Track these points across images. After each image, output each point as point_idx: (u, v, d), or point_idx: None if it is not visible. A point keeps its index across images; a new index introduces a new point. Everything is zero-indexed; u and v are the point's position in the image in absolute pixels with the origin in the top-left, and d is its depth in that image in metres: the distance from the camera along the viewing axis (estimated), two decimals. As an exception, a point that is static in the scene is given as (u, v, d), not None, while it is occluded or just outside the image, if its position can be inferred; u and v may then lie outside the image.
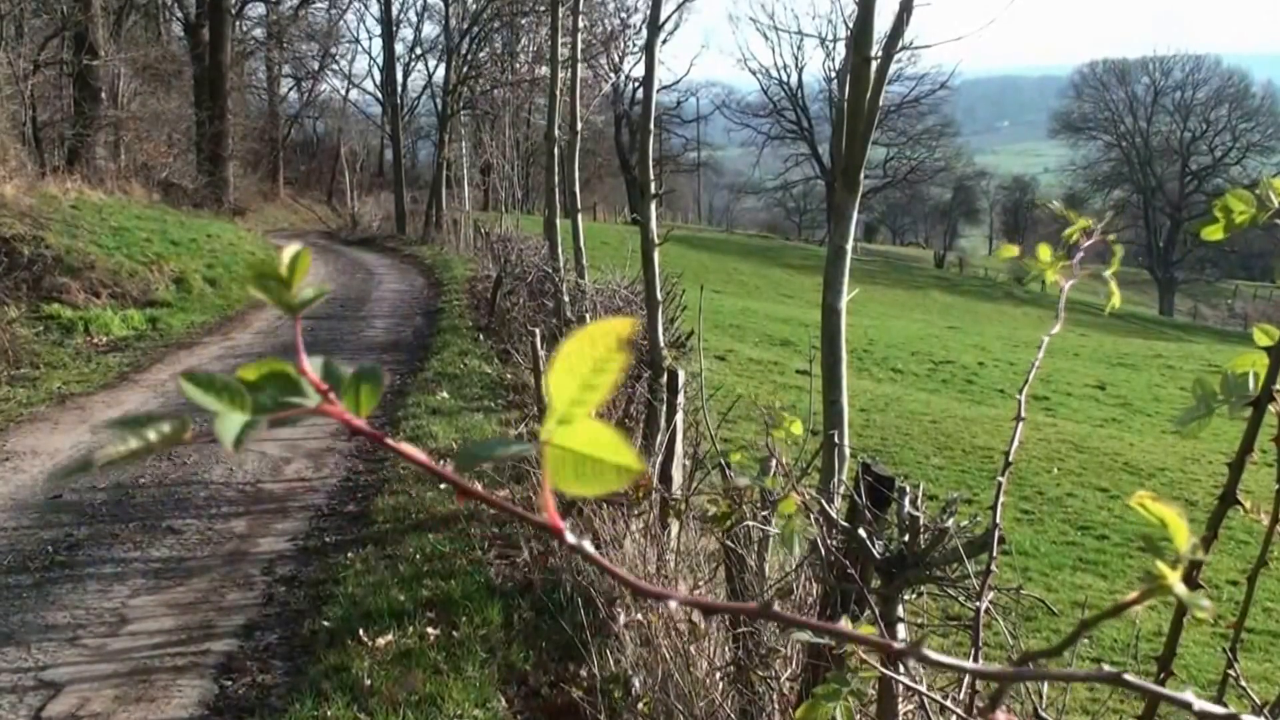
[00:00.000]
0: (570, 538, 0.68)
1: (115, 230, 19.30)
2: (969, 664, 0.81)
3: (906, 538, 3.54)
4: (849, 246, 4.53)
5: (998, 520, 2.54)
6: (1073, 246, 2.15)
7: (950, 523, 3.57)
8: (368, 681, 5.01)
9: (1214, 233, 1.61)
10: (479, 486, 0.72)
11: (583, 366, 0.63)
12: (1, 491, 8.00)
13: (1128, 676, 0.82)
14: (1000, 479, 2.43)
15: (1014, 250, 2.45)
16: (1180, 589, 0.81)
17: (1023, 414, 2.46)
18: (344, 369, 0.72)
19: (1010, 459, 2.43)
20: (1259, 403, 1.64)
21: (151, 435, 0.66)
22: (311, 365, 0.71)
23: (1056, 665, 5.08)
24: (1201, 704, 0.77)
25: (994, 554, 2.52)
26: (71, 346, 13.92)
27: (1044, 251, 2.16)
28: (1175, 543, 0.82)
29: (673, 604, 0.71)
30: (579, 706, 4.77)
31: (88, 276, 16.41)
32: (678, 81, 58.61)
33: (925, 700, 2.82)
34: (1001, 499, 2.50)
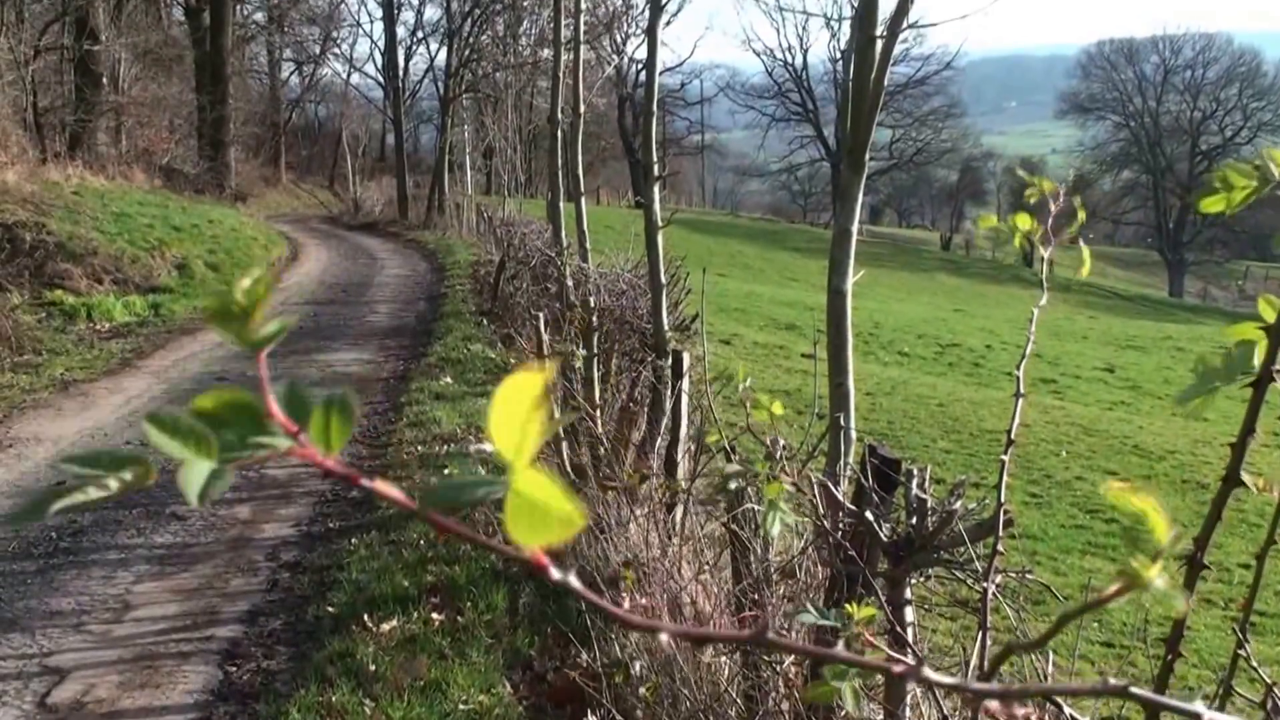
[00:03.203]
0: (556, 574, 0.65)
1: (117, 216, 19.29)
2: (973, 684, 0.79)
3: (914, 520, 3.51)
4: (854, 228, 4.48)
5: (1003, 500, 2.51)
6: (1049, 212, 2.11)
7: (958, 505, 3.54)
8: (372, 667, 5.00)
9: (1214, 204, 1.56)
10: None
11: (515, 421, 0.62)
12: (5, 478, 7.99)
13: (1134, 690, 0.79)
14: (1003, 457, 2.39)
15: (993, 220, 2.39)
16: (1159, 583, 0.79)
17: (1021, 390, 2.43)
18: (310, 399, 0.68)
19: (1012, 437, 2.39)
20: (1259, 383, 1.59)
21: (113, 484, 0.64)
22: (275, 393, 0.67)
23: (1066, 666, 5.06)
24: (1212, 714, 0.75)
25: (1000, 534, 2.49)
26: (74, 333, 13.91)
27: (1023, 219, 2.12)
28: (1155, 535, 0.81)
29: (664, 637, 0.68)
30: (584, 691, 4.75)
31: (90, 263, 16.39)
32: (681, 63, 58.50)
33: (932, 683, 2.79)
34: (1006, 479, 2.47)
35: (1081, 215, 2.05)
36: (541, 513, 0.60)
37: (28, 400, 10.33)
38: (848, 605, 1.91)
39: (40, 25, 25.91)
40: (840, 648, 2.08)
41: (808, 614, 1.78)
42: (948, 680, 0.78)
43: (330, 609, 5.75)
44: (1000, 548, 2.46)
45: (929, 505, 3.57)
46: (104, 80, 26.48)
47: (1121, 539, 0.93)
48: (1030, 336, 2.46)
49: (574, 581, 0.67)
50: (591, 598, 0.69)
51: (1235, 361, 1.57)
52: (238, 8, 42.94)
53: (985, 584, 2.34)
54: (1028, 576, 3.47)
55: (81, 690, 4.90)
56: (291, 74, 57.32)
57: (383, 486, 0.66)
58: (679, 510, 5.72)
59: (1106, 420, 14.49)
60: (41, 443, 8.91)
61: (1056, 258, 2.19)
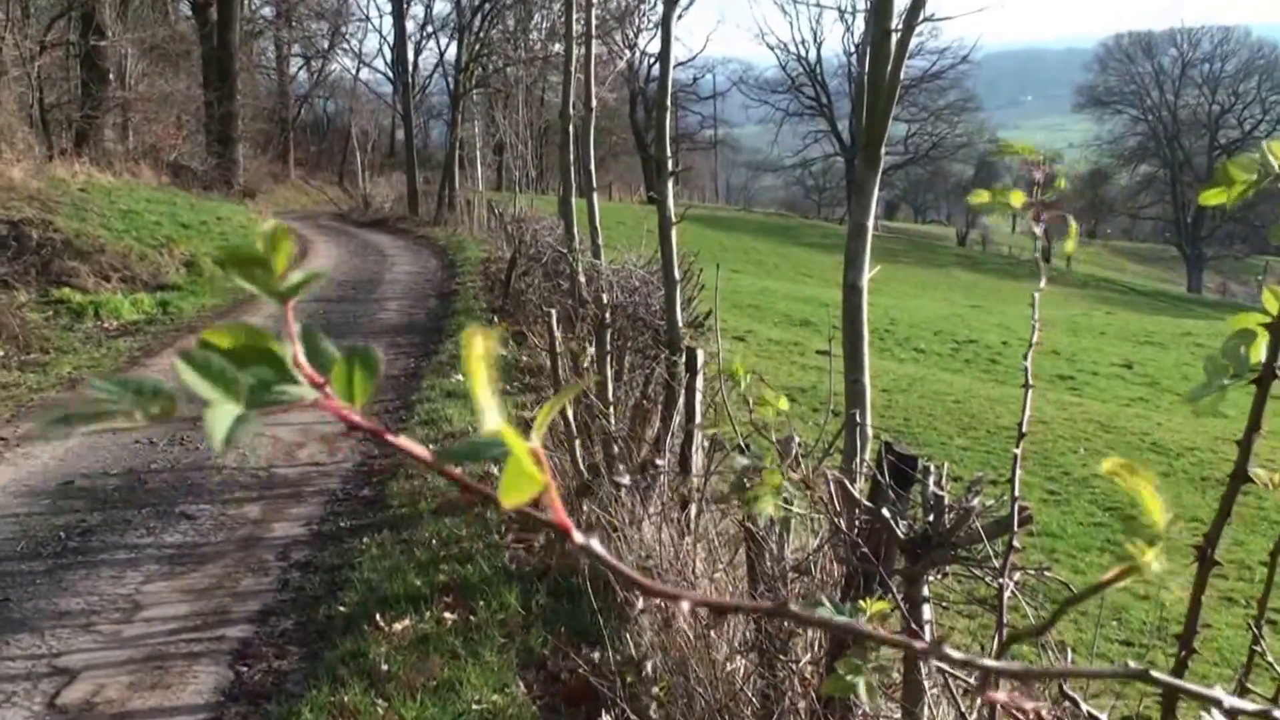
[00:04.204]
0: (578, 537, 0.67)
1: (124, 213, 19.28)
2: (990, 662, 0.78)
3: (931, 517, 3.47)
4: (870, 224, 4.43)
5: (1017, 494, 2.46)
6: (1036, 185, 2.06)
7: (975, 502, 3.50)
8: (385, 667, 4.96)
9: (1215, 197, 1.51)
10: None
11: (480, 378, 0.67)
12: (13, 477, 7.97)
13: (1155, 673, 0.77)
14: (1015, 451, 2.35)
15: (985, 195, 2.33)
16: (1156, 567, 0.78)
17: (1029, 381, 2.39)
18: (333, 350, 0.66)
19: (1024, 430, 2.34)
20: (1261, 381, 1.55)
21: (139, 415, 0.62)
22: (294, 333, 0.66)
23: (1081, 657, 5.01)
24: (1231, 700, 0.75)
25: (1016, 531, 2.44)
26: (81, 331, 13.88)
27: (1017, 196, 2.07)
28: (1152, 519, 0.81)
29: (685, 605, 0.70)
30: (598, 690, 4.70)
31: (97, 260, 16.36)
32: (694, 58, 58.35)
33: (949, 677, 2.76)
34: (1019, 473, 2.43)
35: (1061, 183, 2.01)
36: (523, 474, 0.64)
37: (35, 399, 10.32)
38: (862, 601, 1.87)
39: (46, 20, 25.79)
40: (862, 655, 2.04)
41: (823, 608, 1.74)
42: (964, 656, 0.78)
43: (342, 608, 5.72)
44: (1017, 544, 2.42)
45: (946, 502, 3.53)
46: (111, 76, 26.40)
47: (1120, 525, 0.91)
48: (1035, 324, 2.40)
49: (595, 545, 0.68)
50: (613, 563, 0.71)
51: (1241, 358, 1.54)
52: (245, 2, 42.83)
53: (1002, 580, 2.30)
54: (1046, 573, 3.43)
55: (91, 691, 4.87)
56: (300, 69, 57.19)
57: (405, 442, 0.68)
58: (693, 508, 5.67)
59: (1124, 417, 14.40)
60: (49, 442, 8.88)
61: (1074, 255, 2.13)
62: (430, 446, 0.67)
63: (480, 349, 0.66)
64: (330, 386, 0.65)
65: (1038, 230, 1.99)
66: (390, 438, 0.68)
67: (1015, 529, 2.42)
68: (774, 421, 3.58)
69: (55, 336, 13.14)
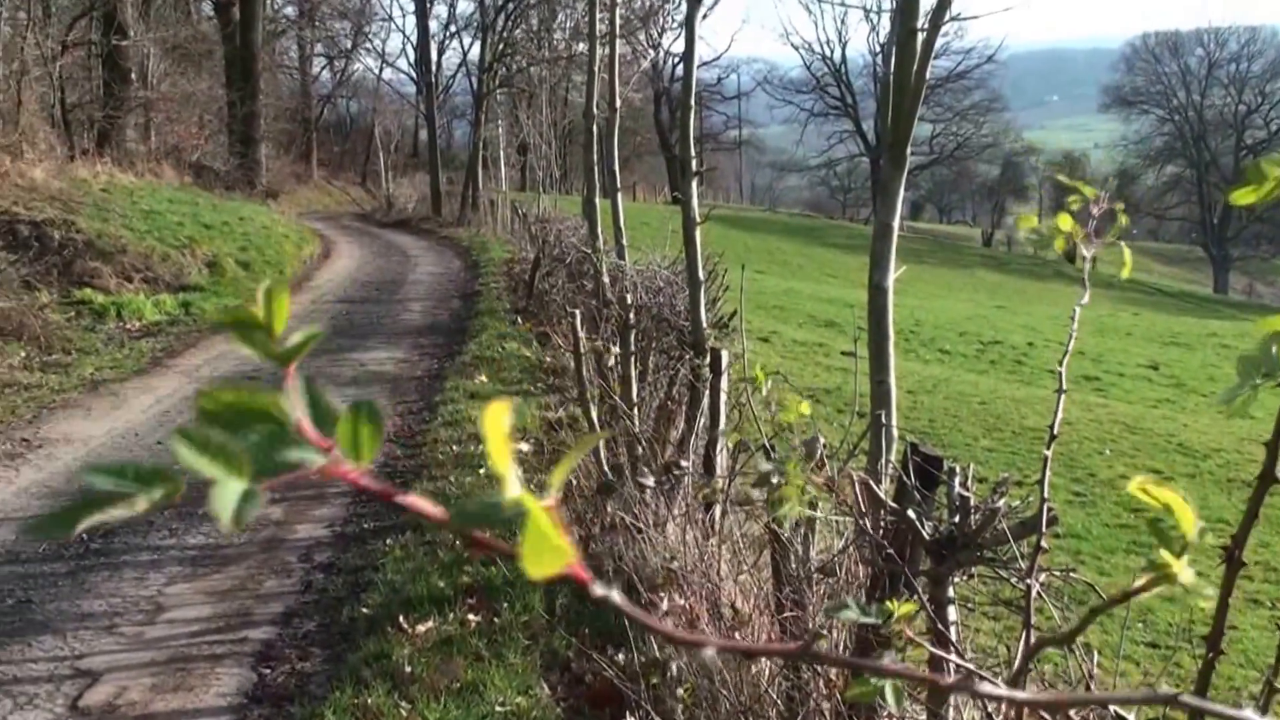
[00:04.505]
0: (598, 590, 0.66)
1: (147, 214, 19.29)
2: (1021, 694, 0.80)
3: (957, 519, 3.46)
4: (895, 224, 4.40)
5: (1046, 496, 2.44)
6: (1092, 216, 2.04)
7: (1001, 503, 3.49)
8: (408, 669, 4.96)
9: (1245, 196, 1.49)
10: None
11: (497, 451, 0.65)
12: (35, 479, 7.99)
13: (1184, 698, 0.76)
14: (1045, 453, 2.33)
15: (1033, 220, 2.32)
16: (1186, 576, 0.78)
17: (1064, 386, 2.37)
18: (334, 407, 0.66)
19: (1055, 432, 2.33)
20: None
21: (140, 503, 0.63)
22: (297, 395, 0.65)
23: (1110, 667, 4.97)
24: None
25: (1043, 531, 2.42)
26: (104, 332, 13.89)
27: (1064, 220, 2.05)
28: (1182, 528, 0.81)
29: (709, 652, 0.69)
30: (622, 693, 4.69)
31: (119, 261, 16.38)
32: (718, 57, 58.33)
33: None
34: (1049, 475, 2.41)
35: (1123, 219, 1.98)
36: (548, 546, 0.62)
37: (57, 400, 10.34)
38: (889, 602, 1.85)
39: (68, 20, 25.70)
40: (887, 657, 2.02)
41: (848, 610, 1.72)
42: (1000, 693, 0.77)
43: (365, 610, 5.72)
44: (1045, 545, 2.40)
45: (971, 503, 3.52)
46: (133, 76, 26.40)
47: (1150, 533, 0.90)
48: (1073, 334, 2.39)
49: (616, 597, 0.66)
50: (639, 615, 0.70)
51: (1275, 359, 1.52)
52: (268, 2, 42.85)
53: (1029, 582, 2.28)
54: (1071, 575, 3.40)
55: (114, 693, 4.88)
56: (323, 69, 57.26)
57: (417, 502, 0.66)
58: (717, 510, 5.65)
59: (1150, 418, 14.30)
60: (71, 443, 8.91)
61: (1099, 254, 2.12)
62: (443, 504, 0.66)
63: (501, 419, 0.64)
64: (336, 448, 0.64)
65: (1086, 253, 1.97)
66: (400, 499, 0.67)
67: (1044, 530, 2.41)
68: (798, 423, 3.57)
69: (77, 337, 13.17)
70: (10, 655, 5.24)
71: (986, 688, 0.70)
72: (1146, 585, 0.77)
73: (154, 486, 0.61)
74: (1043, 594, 3.38)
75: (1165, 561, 0.76)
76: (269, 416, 0.64)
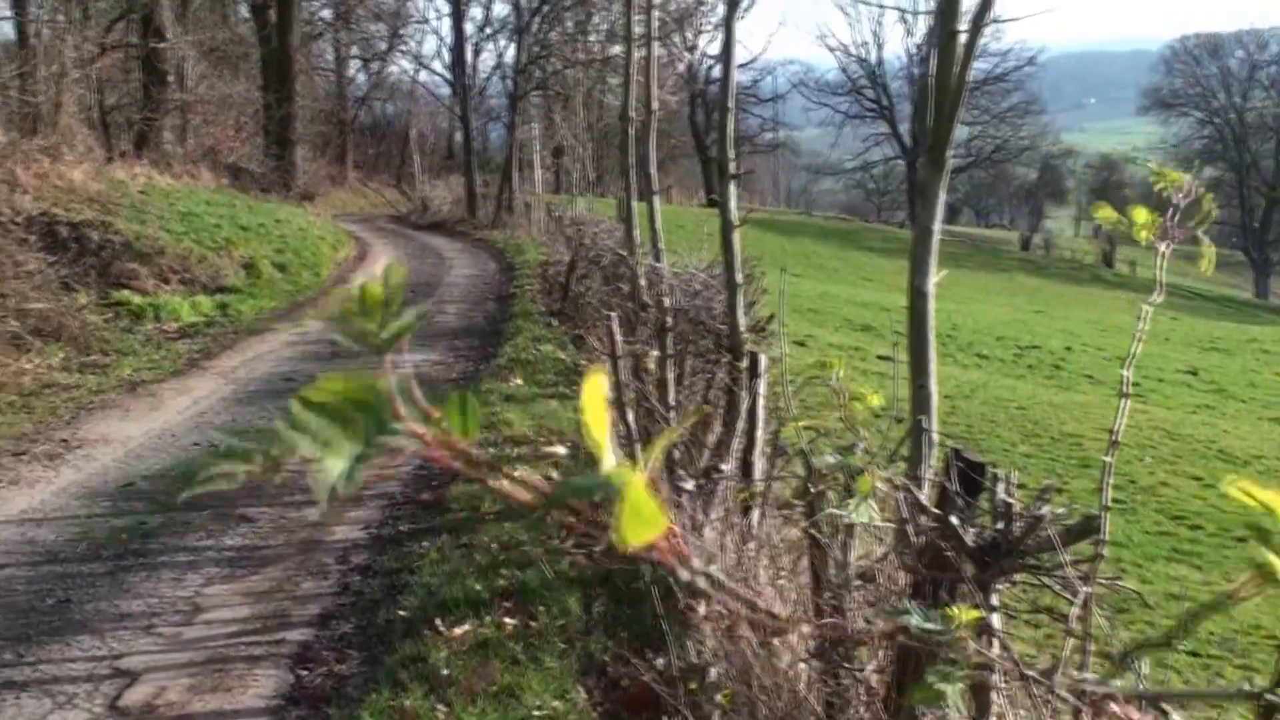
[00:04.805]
0: (697, 564, 0.71)
1: (184, 215, 19.37)
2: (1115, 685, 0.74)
3: (1001, 525, 3.43)
4: (936, 227, 4.36)
5: (1106, 503, 2.42)
6: (1174, 205, 1.99)
7: (1045, 510, 3.46)
8: (445, 672, 4.95)
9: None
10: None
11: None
12: (74, 479, 8.04)
13: (1271, 697, 0.73)
14: (1106, 459, 2.30)
15: (1110, 211, 2.27)
16: None
17: (1127, 390, 2.34)
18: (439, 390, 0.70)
19: (1117, 438, 2.30)
20: None
21: (258, 465, 0.66)
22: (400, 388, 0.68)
23: (1152, 676, 4.90)
24: None
25: (1104, 539, 2.39)
26: (141, 333, 13.97)
27: (1140, 213, 2.00)
28: None
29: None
30: (658, 698, 4.67)
31: (157, 262, 16.47)
32: (754, 59, 58.07)
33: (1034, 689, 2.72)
34: (1109, 479, 2.38)
35: (1212, 209, 1.95)
36: (641, 516, 0.66)
37: (95, 401, 10.41)
38: (952, 609, 1.82)
39: (106, 23, 25.86)
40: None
41: (909, 615, 1.69)
42: (1109, 688, 0.76)
43: (401, 612, 5.71)
44: (1104, 553, 2.38)
45: (1016, 510, 3.49)
46: (170, 78, 26.51)
47: (1250, 535, 0.86)
48: (1140, 335, 2.35)
49: (715, 571, 0.68)
50: (737, 590, 0.73)
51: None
52: (304, 4, 43.07)
53: (1086, 589, 2.25)
54: (1118, 584, 3.37)
55: (152, 693, 4.89)
56: (358, 71, 57.34)
57: (510, 483, 0.71)
58: (755, 514, 5.62)
59: (1190, 424, 14.16)
60: (110, 444, 8.96)
61: (1138, 259, 2.07)
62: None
63: (600, 391, 0.68)
64: (444, 423, 0.65)
65: (1163, 249, 1.93)
66: (493, 483, 0.69)
67: (1104, 538, 2.37)
68: (833, 428, 3.54)
69: (115, 338, 13.25)
70: (50, 654, 5.27)
71: (1101, 686, 0.68)
72: (1247, 585, 0.74)
73: (271, 447, 0.60)
74: (1093, 603, 3.34)
75: (1270, 562, 0.73)
76: (370, 404, 0.65)
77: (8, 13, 21.50)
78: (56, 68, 19.78)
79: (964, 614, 1.76)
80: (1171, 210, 1.91)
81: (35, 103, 18.95)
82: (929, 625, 1.70)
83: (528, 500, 0.67)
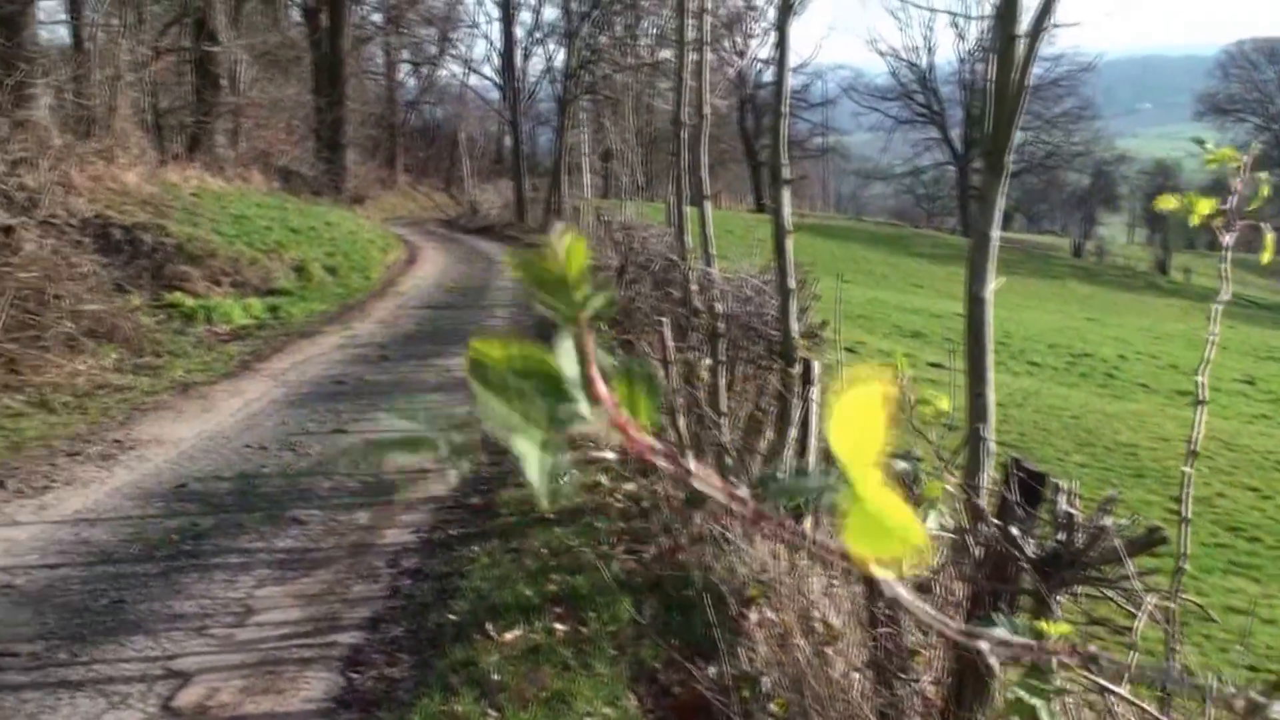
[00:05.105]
0: (890, 587, 0.64)
1: (235, 218, 19.51)
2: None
3: (1063, 536, 3.38)
4: (994, 233, 4.30)
5: (1187, 515, 2.37)
6: (1233, 192, 1.95)
7: (1108, 521, 3.41)
8: (496, 677, 4.93)
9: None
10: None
11: (854, 429, 0.59)
12: (127, 480, 8.09)
13: None
14: (1186, 470, 2.26)
15: (1172, 200, 2.21)
16: None
17: (1203, 397, 2.30)
18: (613, 365, 0.63)
19: (1195, 447, 2.25)
20: None
21: (442, 446, 0.62)
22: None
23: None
24: None
25: (1186, 551, 2.35)
26: (193, 335, 14.06)
27: (1204, 203, 1.95)
28: None
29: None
30: (710, 705, 4.63)
31: (208, 265, 16.61)
32: (804, 64, 58.02)
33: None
34: (1190, 490, 2.34)
35: (1265, 190, 1.90)
36: (881, 527, 0.58)
37: (148, 402, 10.48)
38: (1043, 623, 1.78)
39: (160, 27, 26.19)
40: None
41: (999, 627, 1.64)
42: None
43: (452, 616, 5.70)
44: (1185, 566, 2.33)
45: (1078, 521, 3.44)
46: (222, 82, 26.79)
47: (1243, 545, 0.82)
48: (1213, 337, 2.31)
49: (902, 592, 0.65)
50: (931, 614, 0.72)
51: None
52: (355, 9, 43.41)
53: (1171, 605, 2.21)
54: (1185, 598, 3.31)
55: (205, 694, 4.90)
56: (408, 75, 57.66)
57: (704, 476, 0.63)
58: (807, 522, 5.57)
59: (1247, 434, 13.96)
60: (162, 444, 9.02)
61: (1194, 267, 2.03)
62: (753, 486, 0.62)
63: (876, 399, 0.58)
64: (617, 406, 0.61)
65: (1227, 240, 1.88)
66: (691, 470, 0.63)
67: (1185, 552, 2.32)
68: (930, 422, 3.51)
69: (167, 340, 13.34)
70: (104, 654, 5.29)
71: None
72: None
73: (456, 433, 0.61)
74: (1156, 616, 3.28)
75: None
76: (546, 374, 0.61)
77: (64, 17, 21.81)
78: (111, 71, 20.01)
79: (1054, 628, 1.72)
80: (1232, 196, 1.86)
81: (90, 106, 19.17)
82: (1019, 639, 1.66)
83: (740, 497, 0.62)
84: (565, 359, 0.59)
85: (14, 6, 17.15)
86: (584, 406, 0.59)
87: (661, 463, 0.60)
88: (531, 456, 0.55)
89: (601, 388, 0.58)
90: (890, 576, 0.60)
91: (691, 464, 0.60)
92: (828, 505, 0.58)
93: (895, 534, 0.57)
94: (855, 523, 0.57)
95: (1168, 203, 2.03)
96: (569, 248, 0.61)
